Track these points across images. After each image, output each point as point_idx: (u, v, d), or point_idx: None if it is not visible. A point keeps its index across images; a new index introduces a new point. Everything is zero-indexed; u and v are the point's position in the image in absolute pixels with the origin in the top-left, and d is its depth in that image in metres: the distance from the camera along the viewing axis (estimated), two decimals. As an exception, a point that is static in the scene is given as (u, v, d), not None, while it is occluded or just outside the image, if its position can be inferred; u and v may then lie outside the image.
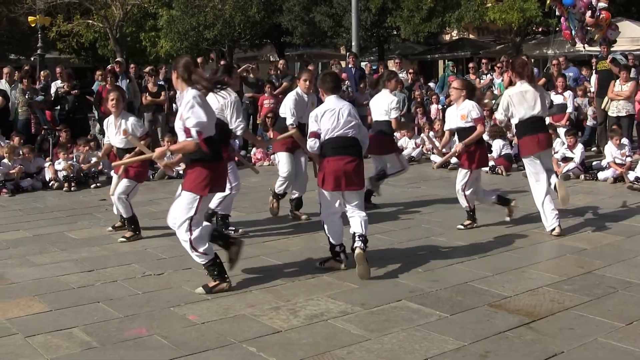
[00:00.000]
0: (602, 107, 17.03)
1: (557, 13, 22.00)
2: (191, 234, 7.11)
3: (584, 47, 21.96)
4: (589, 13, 19.63)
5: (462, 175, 9.89)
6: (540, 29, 33.29)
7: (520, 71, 9.70)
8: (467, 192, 9.87)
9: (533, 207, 10.12)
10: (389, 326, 6.18)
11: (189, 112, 7.00)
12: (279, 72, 19.91)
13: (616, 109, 16.53)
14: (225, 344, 5.83)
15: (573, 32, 20.63)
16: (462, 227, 9.87)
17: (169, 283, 7.57)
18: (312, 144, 7.93)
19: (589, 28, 20.16)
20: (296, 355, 5.59)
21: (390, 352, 5.62)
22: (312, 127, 7.97)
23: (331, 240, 7.97)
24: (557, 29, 25.11)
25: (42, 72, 20.00)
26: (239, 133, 9.40)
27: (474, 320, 6.31)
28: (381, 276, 7.68)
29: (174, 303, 6.88)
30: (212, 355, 5.63)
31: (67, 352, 5.74)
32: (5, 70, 17.52)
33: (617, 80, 16.65)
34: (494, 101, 19.08)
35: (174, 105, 18.71)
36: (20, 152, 14.62)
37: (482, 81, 20.48)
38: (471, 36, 38.66)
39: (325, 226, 7.97)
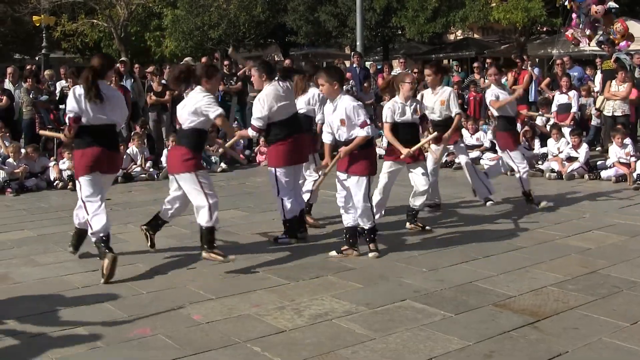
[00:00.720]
0: (597, 106, 17.03)
1: (566, 4, 21.90)
2: (87, 214, 8.10)
3: (588, 45, 21.89)
4: (598, 8, 19.54)
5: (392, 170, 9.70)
6: (544, 29, 33.26)
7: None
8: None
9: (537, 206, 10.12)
10: (393, 326, 6.18)
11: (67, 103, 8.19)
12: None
13: (612, 108, 16.55)
14: (229, 344, 5.83)
15: (581, 26, 20.57)
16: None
17: (173, 283, 7.57)
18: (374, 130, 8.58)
19: (597, 25, 20.10)
20: (300, 355, 5.59)
21: (395, 352, 5.62)
22: (366, 115, 8.40)
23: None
24: (562, 30, 25.04)
25: (45, 72, 19.98)
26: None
27: (478, 320, 6.31)
28: (385, 276, 7.68)
29: (178, 303, 6.88)
30: (216, 355, 5.63)
31: (71, 352, 5.74)
32: (9, 70, 17.55)
33: (614, 80, 16.67)
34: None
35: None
36: (23, 151, 14.65)
37: (486, 81, 20.45)
38: (476, 36, 38.66)
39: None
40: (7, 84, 17.07)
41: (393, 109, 9.53)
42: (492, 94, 11.09)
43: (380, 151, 17.32)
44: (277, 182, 9.18)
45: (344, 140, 8.35)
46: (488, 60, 22.41)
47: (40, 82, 18.01)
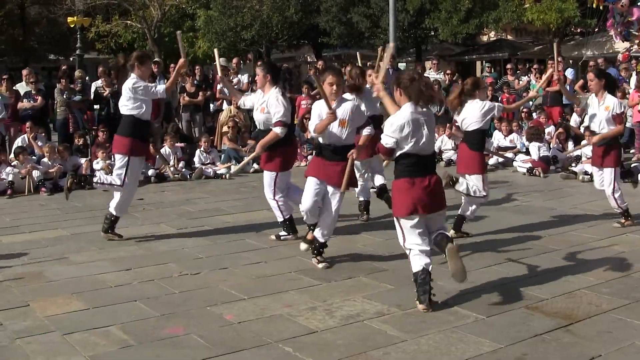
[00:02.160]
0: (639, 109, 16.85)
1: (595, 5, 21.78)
2: None
3: (622, 41, 21.73)
4: (624, 1, 19.42)
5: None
6: (578, 30, 33.02)
7: None
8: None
9: (571, 210, 10.05)
10: (425, 327, 6.16)
11: None
12: (317, 72, 19.88)
13: None
14: (261, 344, 5.84)
15: (615, 25, 20.48)
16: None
17: (205, 282, 7.60)
18: None
19: (631, 28, 19.98)
20: (332, 356, 5.59)
21: (426, 354, 5.61)
22: None
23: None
24: (597, 29, 24.87)
25: (76, 72, 20.07)
26: None
27: (510, 322, 6.28)
28: (417, 277, 7.64)
29: (210, 302, 6.90)
30: (248, 355, 5.64)
31: (104, 349, 5.78)
32: (25, 72, 17.57)
33: None
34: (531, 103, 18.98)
35: (211, 105, 18.82)
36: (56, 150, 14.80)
37: (520, 82, 20.36)
38: (509, 37, 38.44)
39: None
40: (24, 86, 17.04)
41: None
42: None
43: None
44: (276, 185, 9.32)
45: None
46: (520, 66, 22.31)
47: (74, 82, 18.13)
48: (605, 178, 10.05)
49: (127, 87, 9.44)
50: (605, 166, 9.98)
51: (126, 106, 9.52)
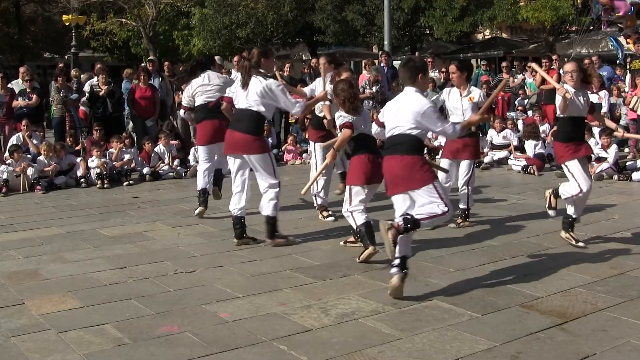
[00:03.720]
0: (631, 107, 16.85)
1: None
2: None
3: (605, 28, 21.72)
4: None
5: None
6: (573, 28, 33.05)
7: None
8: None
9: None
10: (420, 326, 6.17)
11: None
12: (312, 70, 19.90)
13: None
14: (256, 342, 5.83)
15: (599, 13, 20.53)
16: None
17: (200, 281, 7.60)
18: None
19: (611, 14, 20.00)
20: (327, 354, 5.58)
21: (421, 352, 5.61)
22: None
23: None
24: (592, 27, 24.86)
25: (73, 71, 20.01)
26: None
27: (505, 320, 6.28)
28: (413, 275, 7.63)
29: (205, 301, 6.90)
30: (242, 353, 5.63)
31: (99, 348, 5.77)
32: (22, 70, 17.54)
33: None
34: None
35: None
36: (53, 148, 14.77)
37: (515, 80, 20.36)
38: (504, 35, 38.45)
39: None
40: (20, 84, 17.00)
41: None
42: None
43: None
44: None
45: None
46: (516, 63, 22.32)
47: (71, 80, 18.09)
48: (462, 169, 10.01)
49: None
50: (464, 158, 9.96)
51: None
